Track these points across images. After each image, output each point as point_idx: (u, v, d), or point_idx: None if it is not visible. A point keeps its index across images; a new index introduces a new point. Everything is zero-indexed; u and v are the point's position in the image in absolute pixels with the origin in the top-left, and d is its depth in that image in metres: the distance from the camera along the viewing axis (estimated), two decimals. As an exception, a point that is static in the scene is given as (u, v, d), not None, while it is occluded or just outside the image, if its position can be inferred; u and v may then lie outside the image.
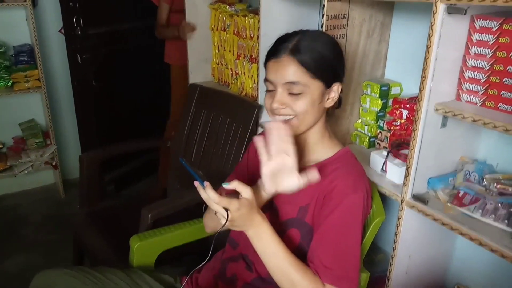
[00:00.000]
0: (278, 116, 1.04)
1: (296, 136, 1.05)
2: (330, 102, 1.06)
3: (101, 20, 2.52)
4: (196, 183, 0.93)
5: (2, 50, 2.55)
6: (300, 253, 1.06)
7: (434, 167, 1.21)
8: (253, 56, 1.99)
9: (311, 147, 1.11)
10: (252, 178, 1.24)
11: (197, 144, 2.03)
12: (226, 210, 0.91)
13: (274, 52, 1.02)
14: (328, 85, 1.03)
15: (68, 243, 2.01)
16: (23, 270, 2.11)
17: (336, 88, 1.05)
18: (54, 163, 2.73)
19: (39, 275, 1.21)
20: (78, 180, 2.74)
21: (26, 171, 2.66)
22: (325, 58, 1.01)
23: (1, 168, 2.62)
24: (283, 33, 1.07)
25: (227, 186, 0.93)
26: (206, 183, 0.91)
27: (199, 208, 1.40)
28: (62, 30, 2.52)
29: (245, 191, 0.94)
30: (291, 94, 1.00)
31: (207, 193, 0.90)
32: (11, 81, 2.56)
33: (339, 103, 1.11)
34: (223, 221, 0.91)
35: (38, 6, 2.63)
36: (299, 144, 1.11)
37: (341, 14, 1.40)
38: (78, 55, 2.46)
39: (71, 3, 2.35)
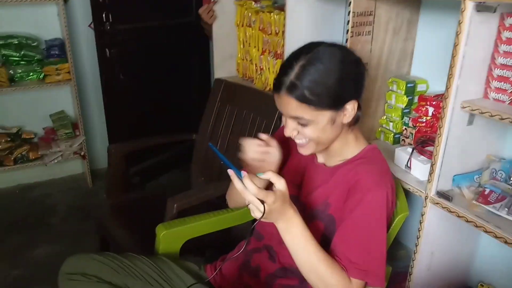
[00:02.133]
0: (295, 139, 1.05)
1: None
2: (347, 118, 1.02)
3: (129, 16, 2.58)
4: (231, 172, 0.90)
5: (35, 44, 2.64)
6: (323, 244, 1.07)
7: (459, 164, 1.21)
8: (278, 52, 2.01)
9: (336, 152, 1.11)
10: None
11: (221, 138, 2.07)
12: (262, 202, 0.89)
13: (275, 85, 0.99)
14: (337, 108, 0.99)
15: (94, 233, 2.08)
16: (50, 259, 2.18)
17: (350, 106, 1.01)
18: (82, 153, 2.82)
19: (70, 259, 1.25)
20: (105, 170, 2.84)
21: (56, 161, 2.76)
22: (329, 88, 0.95)
23: (33, 158, 2.73)
24: (309, 38, 1.03)
25: (261, 175, 0.92)
26: (244, 173, 0.89)
27: (222, 201, 1.44)
28: (92, 25, 2.59)
29: (280, 183, 0.92)
30: (299, 123, 1.00)
31: (246, 183, 0.88)
32: (42, 74, 2.65)
33: (356, 119, 1.06)
34: (258, 214, 0.89)
35: (69, 2, 2.71)
36: (325, 150, 1.11)
37: (368, 11, 1.40)
38: (107, 49, 2.53)
39: (100, -1, 2.42)
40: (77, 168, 3.03)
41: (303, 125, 1.00)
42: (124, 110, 2.69)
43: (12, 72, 2.59)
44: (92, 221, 2.42)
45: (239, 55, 2.36)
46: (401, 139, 1.52)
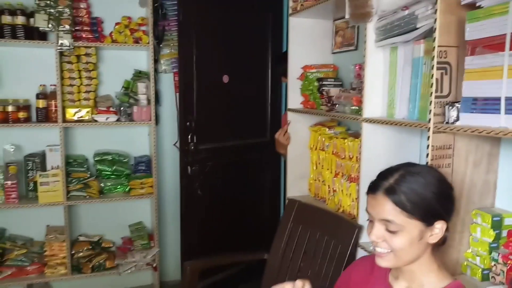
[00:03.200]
0: (376, 247, 1.07)
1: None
2: (433, 238, 1.05)
3: (211, 138, 2.84)
4: None
5: (125, 160, 2.94)
6: None
7: None
8: (352, 175, 2.06)
9: (418, 278, 1.09)
10: None
11: (293, 261, 2.05)
12: None
13: (372, 187, 1.07)
14: (428, 223, 1.03)
15: None
16: None
17: (440, 226, 1.04)
18: (154, 265, 2.89)
19: None
20: (173, 283, 2.87)
21: (129, 271, 2.84)
22: (424, 199, 1.01)
23: (109, 266, 2.84)
24: (384, 164, 1.10)
25: None
26: None
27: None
28: (177, 144, 2.86)
29: None
30: (387, 230, 1.03)
31: None
32: (128, 187, 2.89)
33: (443, 240, 1.09)
34: None
35: (159, 124, 3.05)
36: (405, 272, 1.11)
37: (446, 145, 1.44)
38: (188, 167, 2.74)
39: (187, 123, 2.70)
40: (147, 279, 3.09)
41: (392, 232, 1.02)
42: (199, 225, 2.80)
43: (102, 185, 2.86)
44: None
45: (312, 176, 2.44)
46: (490, 276, 1.42)
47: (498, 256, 1.39)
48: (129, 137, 3.04)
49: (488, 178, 1.51)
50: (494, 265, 1.41)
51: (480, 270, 1.45)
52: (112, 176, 2.90)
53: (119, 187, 2.90)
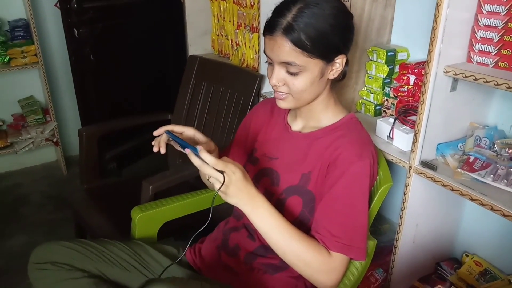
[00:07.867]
0: (276, 92, 1.02)
1: None
2: (333, 74, 1.00)
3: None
4: (188, 150, 0.88)
5: (-3, 25, 2.50)
6: (301, 221, 1.03)
7: (443, 132, 1.17)
8: (254, 25, 1.93)
9: (316, 115, 1.08)
10: (251, 146, 1.22)
11: (198, 117, 1.99)
12: (222, 173, 0.87)
13: (269, 27, 0.95)
14: (329, 60, 0.97)
15: (70, 222, 1.99)
16: (25, 250, 2.09)
17: (340, 61, 0.99)
18: (55, 140, 2.70)
19: (38, 249, 1.19)
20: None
21: (27, 148, 2.64)
22: (324, 35, 0.93)
23: (2, 146, 2.60)
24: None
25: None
26: (199, 147, 0.87)
27: (200, 181, 1.38)
28: (58, 4, 2.45)
29: (236, 164, 0.91)
30: (288, 72, 0.96)
31: (203, 157, 0.86)
32: (7, 57, 2.51)
33: (343, 75, 1.06)
34: (218, 185, 0.88)
35: (32, -21, 2.55)
36: (304, 111, 1.08)
37: (346, -24, 1.33)
38: (74, 29, 2.39)
39: (65, -24, 2.28)
40: (50, 155, 2.91)
41: (293, 74, 0.96)
42: (97, 93, 2.57)
43: (-27, 56, 2.45)
44: (68, 209, 2.34)
45: (214, 31, 2.27)
46: (382, 111, 1.47)
47: (390, 90, 1.42)
48: (-3, -3, 2.54)
49: (386, 13, 1.47)
50: (386, 99, 1.45)
51: (373, 106, 1.49)
52: (-17, 45, 2.48)
53: (-5, 57, 2.50)
